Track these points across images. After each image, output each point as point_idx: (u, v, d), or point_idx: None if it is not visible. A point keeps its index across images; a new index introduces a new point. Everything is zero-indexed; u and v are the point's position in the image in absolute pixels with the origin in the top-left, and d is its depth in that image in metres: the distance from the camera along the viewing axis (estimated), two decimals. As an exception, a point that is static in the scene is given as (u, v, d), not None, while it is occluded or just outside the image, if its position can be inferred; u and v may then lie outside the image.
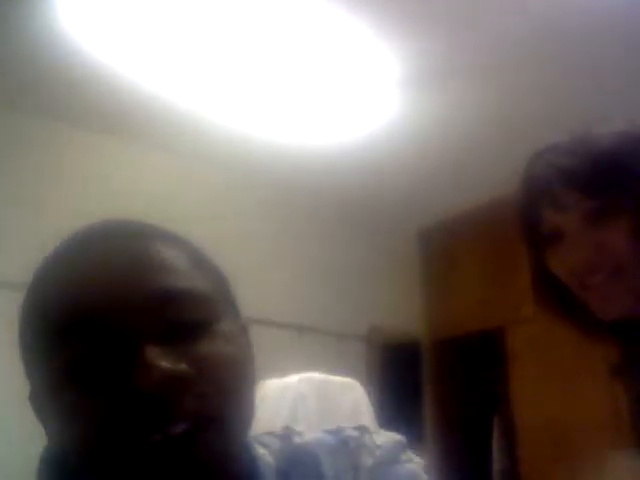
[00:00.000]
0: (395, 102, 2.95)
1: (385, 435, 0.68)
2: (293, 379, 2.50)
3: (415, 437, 3.33)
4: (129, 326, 0.53)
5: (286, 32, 2.49)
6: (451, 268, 4.12)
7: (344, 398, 2.52)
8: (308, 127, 3.12)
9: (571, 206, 1.00)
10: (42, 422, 0.58)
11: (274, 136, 3.17)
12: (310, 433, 0.68)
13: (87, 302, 0.54)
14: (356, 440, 0.66)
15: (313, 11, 2.39)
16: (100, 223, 0.61)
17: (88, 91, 2.79)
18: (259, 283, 3.13)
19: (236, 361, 0.57)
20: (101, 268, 0.55)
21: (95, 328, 0.53)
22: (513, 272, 3.31)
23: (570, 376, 3.28)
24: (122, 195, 2.85)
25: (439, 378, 4.05)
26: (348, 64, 2.69)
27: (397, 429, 0.71)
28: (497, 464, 3.68)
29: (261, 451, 0.64)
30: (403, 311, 4.01)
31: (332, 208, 3.86)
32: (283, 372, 2.51)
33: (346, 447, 0.66)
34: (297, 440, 0.67)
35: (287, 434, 0.68)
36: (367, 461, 0.65)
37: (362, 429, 0.68)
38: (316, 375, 2.54)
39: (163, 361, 0.51)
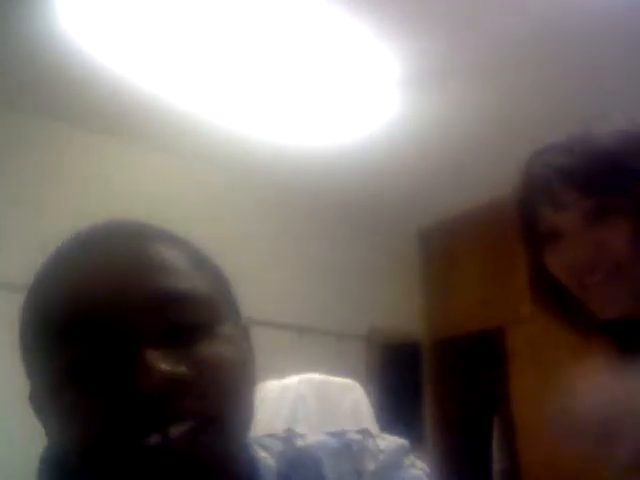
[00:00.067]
0: (395, 102, 2.95)
1: (388, 439, 0.68)
2: (293, 380, 2.50)
3: (415, 437, 3.31)
4: (130, 326, 0.53)
5: (286, 33, 2.49)
6: (451, 268, 4.12)
7: (344, 399, 2.52)
8: (308, 128, 3.11)
9: (570, 205, 0.99)
10: (42, 422, 0.58)
11: (274, 137, 3.17)
12: (312, 436, 0.67)
13: (88, 302, 0.54)
14: (359, 444, 0.66)
15: (313, 12, 2.39)
16: (100, 224, 0.61)
17: (88, 91, 2.79)
18: (259, 283, 3.13)
19: (236, 363, 0.57)
20: (102, 269, 0.55)
21: (96, 328, 0.53)
22: (513, 272, 3.29)
23: (570, 376, 3.27)
24: (122, 196, 2.85)
25: (439, 378, 4.04)
26: (348, 64, 2.69)
27: (397, 429, 0.70)
28: (497, 464, 3.68)
29: (262, 454, 0.63)
30: (403, 311, 4.01)
31: (332, 208, 3.86)
32: (283, 373, 2.51)
33: (349, 451, 0.65)
34: (299, 443, 0.66)
35: (289, 436, 0.67)
36: (370, 466, 0.64)
37: (365, 432, 0.68)
38: (316, 376, 2.54)
39: (163, 364, 0.52)
